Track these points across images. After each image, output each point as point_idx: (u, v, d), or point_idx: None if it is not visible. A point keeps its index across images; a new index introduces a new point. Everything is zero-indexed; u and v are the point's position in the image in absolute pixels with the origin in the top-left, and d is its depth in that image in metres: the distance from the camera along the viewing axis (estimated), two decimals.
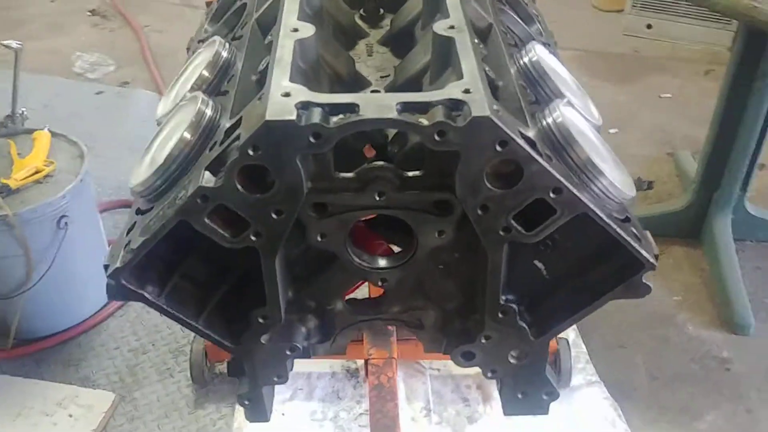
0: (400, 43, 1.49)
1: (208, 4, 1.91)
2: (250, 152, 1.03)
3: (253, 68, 1.29)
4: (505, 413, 1.34)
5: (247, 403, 1.31)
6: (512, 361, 1.26)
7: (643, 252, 1.13)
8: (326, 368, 2.85)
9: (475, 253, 1.18)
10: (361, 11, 1.66)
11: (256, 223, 1.10)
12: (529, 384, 1.30)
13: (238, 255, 1.17)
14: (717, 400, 2.61)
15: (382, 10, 1.63)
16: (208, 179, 1.07)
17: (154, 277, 1.19)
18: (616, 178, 1.14)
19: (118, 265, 1.14)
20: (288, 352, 1.26)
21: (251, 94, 1.20)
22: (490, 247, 1.12)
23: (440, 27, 1.22)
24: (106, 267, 1.18)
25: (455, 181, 1.09)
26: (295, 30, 1.22)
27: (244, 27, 1.43)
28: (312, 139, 1.02)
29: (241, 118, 1.10)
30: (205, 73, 1.32)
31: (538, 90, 1.27)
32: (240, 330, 1.24)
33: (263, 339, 1.23)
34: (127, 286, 1.16)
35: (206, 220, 1.09)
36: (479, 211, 1.09)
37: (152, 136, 1.27)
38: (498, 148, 1.03)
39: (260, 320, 1.21)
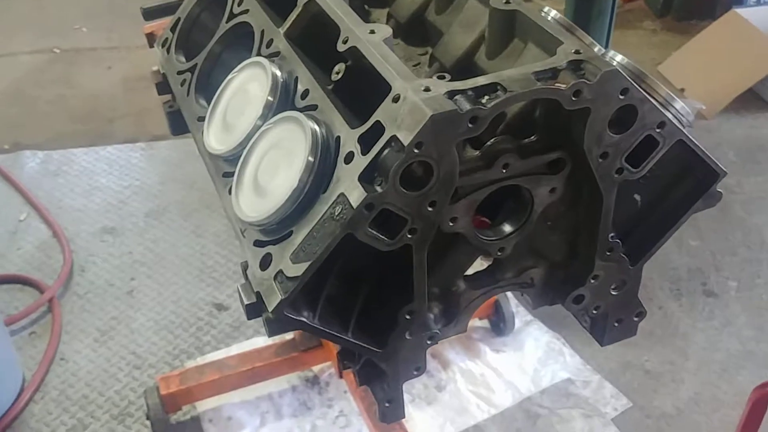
0: (410, 32, 1.55)
1: (149, 36, 1.84)
2: (416, 150, 1.07)
3: (325, 80, 1.30)
4: (604, 344, 1.47)
5: (387, 405, 1.33)
6: (613, 293, 1.39)
7: (718, 163, 1.31)
8: (284, 384, 2.84)
9: (577, 203, 1.30)
10: None
11: (413, 219, 1.13)
12: (624, 310, 1.44)
13: (372, 263, 1.20)
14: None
15: (367, 6, 1.68)
16: (367, 188, 1.09)
17: (305, 302, 1.17)
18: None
19: (282, 297, 1.12)
20: (428, 342, 1.30)
21: (348, 102, 1.22)
22: (607, 190, 1.24)
23: (497, 2, 1.31)
24: (252, 307, 1.15)
25: (565, 139, 1.20)
26: (372, 32, 1.25)
27: (270, 44, 1.42)
28: (470, 124, 1.08)
29: (377, 124, 1.12)
30: (270, 98, 1.30)
31: None
32: (380, 334, 1.26)
33: (407, 335, 1.26)
34: (289, 316, 1.15)
35: (369, 229, 1.11)
36: (600, 159, 1.20)
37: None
38: (620, 96, 1.15)
39: (407, 317, 1.24)
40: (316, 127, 1.19)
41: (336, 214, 1.11)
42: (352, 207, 1.09)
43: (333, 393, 2.83)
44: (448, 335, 1.34)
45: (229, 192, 1.32)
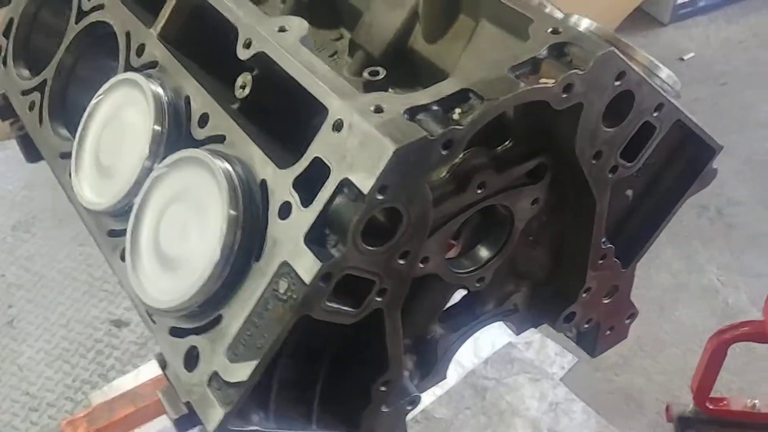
0: (316, 11, 1.23)
1: None
2: (379, 197, 0.79)
3: (226, 96, 0.99)
4: (595, 355, 1.27)
5: None
6: (605, 301, 1.18)
7: (713, 137, 1.10)
8: None
9: (561, 209, 1.06)
10: None
11: (382, 279, 0.86)
12: (617, 316, 1.23)
13: (329, 335, 0.94)
14: None
15: None
16: (320, 253, 0.80)
17: (254, 403, 0.89)
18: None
19: (225, 411, 0.83)
20: (409, 408, 1.05)
21: (262, 126, 0.93)
22: (600, 193, 1.01)
23: None
24: (183, 421, 0.87)
25: (546, 140, 0.96)
26: (283, 29, 0.95)
27: (141, 51, 1.08)
28: (443, 151, 0.81)
29: (316, 163, 0.83)
30: (157, 128, 0.98)
31: None
32: (351, 414, 1.00)
33: (383, 408, 1.00)
34: (237, 430, 0.86)
35: (328, 304, 0.83)
36: (593, 160, 0.96)
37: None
38: (616, 82, 0.90)
39: (383, 389, 0.98)
40: (230, 169, 0.88)
41: (281, 291, 0.82)
42: (303, 282, 0.80)
43: None
44: (427, 389, 1.09)
45: (122, 257, 1.01)
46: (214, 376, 0.86)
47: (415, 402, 1.04)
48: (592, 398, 2.57)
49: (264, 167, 0.89)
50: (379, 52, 1.12)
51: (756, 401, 2.33)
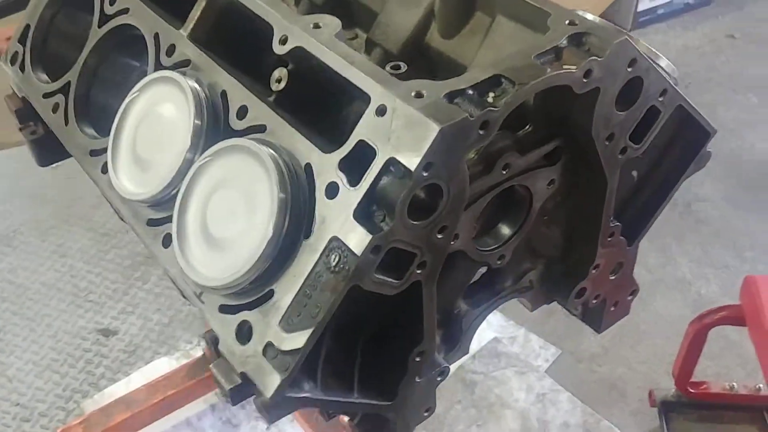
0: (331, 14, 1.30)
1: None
2: (424, 174, 0.86)
3: (261, 91, 1.05)
4: (601, 331, 1.34)
5: None
6: (612, 278, 1.26)
7: (708, 121, 1.19)
8: (201, 405, 2.59)
9: (574, 190, 1.14)
10: None
11: (422, 252, 0.93)
12: (621, 292, 1.31)
13: (367, 308, 1.00)
14: None
15: None
16: (370, 227, 0.87)
17: (305, 373, 0.95)
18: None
19: (282, 377, 0.89)
20: (439, 379, 1.11)
21: (299, 117, 0.99)
22: (611, 173, 1.09)
23: None
24: (237, 391, 0.92)
25: (563, 124, 1.04)
26: (317, 26, 1.01)
27: (172, 51, 1.14)
28: (480, 131, 0.88)
29: (361, 145, 0.89)
30: (197, 122, 1.04)
31: None
32: (388, 385, 1.06)
33: (417, 378, 1.07)
34: (291, 396, 0.92)
35: (376, 275, 0.90)
36: (606, 142, 1.04)
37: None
38: (629, 68, 0.99)
39: (417, 359, 1.04)
40: (276, 154, 0.94)
41: (333, 264, 0.88)
42: (354, 254, 0.87)
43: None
44: (452, 362, 1.16)
45: (164, 244, 1.06)
46: (269, 347, 0.91)
47: (444, 373, 1.11)
48: (577, 388, 2.66)
49: (308, 152, 0.95)
50: (396, 49, 1.19)
51: (734, 383, 2.44)
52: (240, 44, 1.14)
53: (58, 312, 2.94)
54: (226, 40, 1.14)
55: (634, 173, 1.19)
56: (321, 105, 1.05)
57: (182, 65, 1.12)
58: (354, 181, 0.89)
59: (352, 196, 0.89)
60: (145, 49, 1.22)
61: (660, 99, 1.06)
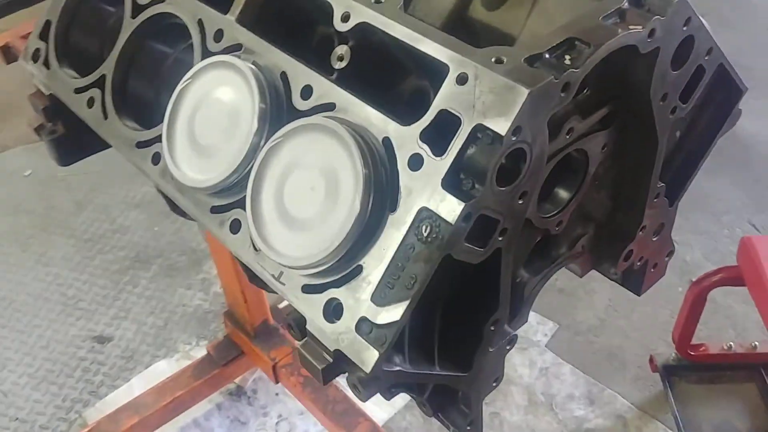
0: None
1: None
2: (513, 138, 0.87)
3: (324, 70, 1.05)
4: (641, 293, 1.38)
5: (469, 428, 1.15)
6: (654, 239, 1.29)
7: (742, 79, 1.23)
8: (207, 405, 2.58)
9: (622, 155, 1.17)
10: None
11: (505, 219, 0.94)
12: (660, 253, 1.35)
13: (444, 279, 1.01)
14: None
15: None
16: (461, 194, 0.88)
17: (395, 345, 0.95)
18: None
19: (380, 351, 0.90)
20: (508, 347, 1.13)
21: (364, 93, 0.99)
22: (662, 133, 1.12)
23: None
24: (329, 370, 0.93)
25: (618, 87, 1.07)
26: (379, 1, 1.02)
27: (220, 36, 1.13)
28: (562, 93, 0.90)
29: (444, 115, 0.91)
30: (263, 105, 1.03)
31: None
32: (464, 356, 1.08)
33: (490, 348, 1.09)
34: (387, 370, 0.93)
35: (465, 244, 0.91)
36: (661, 102, 1.07)
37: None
38: (684, 27, 1.02)
39: (492, 328, 1.06)
40: (354, 131, 0.95)
41: (425, 235, 0.89)
42: (448, 222, 0.88)
43: (264, 399, 2.60)
44: (515, 330, 1.18)
45: (231, 230, 1.05)
46: (363, 322, 0.91)
47: (513, 341, 1.13)
48: (578, 360, 2.71)
49: (383, 125, 0.95)
50: (439, 23, 1.19)
51: (731, 343, 2.52)
52: (290, 25, 1.13)
53: (49, 322, 2.88)
54: (275, 22, 1.14)
55: (677, 133, 1.22)
56: (383, 80, 1.05)
57: (233, 50, 1.11)
58: (439, 151, 0.90)
59: (438, 165, 0.90)
60: (183, 38, 1.21)
61: (706, 58, 1.09)
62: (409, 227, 0.91)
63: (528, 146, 0.90)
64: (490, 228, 0.94)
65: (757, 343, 2.50)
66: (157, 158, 1.15)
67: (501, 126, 0.86)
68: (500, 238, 0.96)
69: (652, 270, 1.35)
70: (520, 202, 0.95)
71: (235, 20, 1.13)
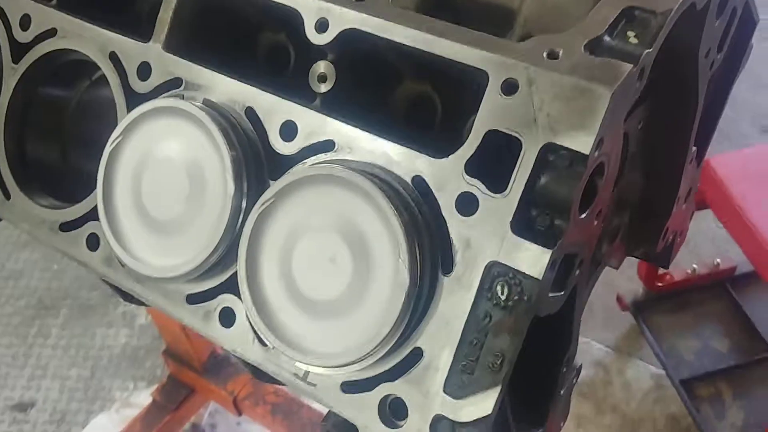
0: None
1: None
2: (596, 153, 0.67)
3: (302, 95, 0.80)
4: (668, 266, 1.23)
5: None
6: (683, 207, 1.13)
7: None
8: None
9: (655, 126, 0.99)
10: None
11: (582, 249, 0.74)
12: (686, 219, 1.19)
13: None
14: None
15: None
16: (542, 238, 0.67)
17: None
18: None
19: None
20: (575, 381, 0.95)
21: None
22: (702, 91, 0.95)
23: None
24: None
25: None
26: None
27: (146, 73, 0.86)
28: (638, 82, 0.70)
29: (492, 136, 0.69)
30: (233, 153, 0.78)
31: None
32: (536, 408, 0.88)
33: (562, 391, 0.90)
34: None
35: (550, 296, 0.71)
36: (705, 58, 0.90)
37: None
38: None
39: (564, 369, 0.87)
40: (374, 178, 0.72)
41: (502, 298, 0.68)
42: (532, 277, 0.67)
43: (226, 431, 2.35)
44: None
45: (222, 323, 0.81)
46: (440, 422, 0.70)
47: (579, 373, 0.95)
48: None
49: (410, 162, 0.73)
50: (414, 6, 0.97)
51: (694, 266, 2.46)
52: (237, 42, 0.88)
53: None
54: (215, 41, 0.87)
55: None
56: (374, 95, 0.82)
57: (169, 87, 0.85)
58: (497, 185, 0.69)
59: (500, 205, 0.68)
60: (83, 77, 0.93)
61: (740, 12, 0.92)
62: (477, 291, 0.69)
63: (607, 157, 0.70)
64: (567, 265, 0.74)
65: (719, 260, 2.44)
66: (94, 242, 0.89)
67: (581, 142, 0.65)
68: (577, 272, 0.76)
69: (679, 239, 1.20)
70: (596, 222, 0.75)
71: (162, 47, 0.86)
